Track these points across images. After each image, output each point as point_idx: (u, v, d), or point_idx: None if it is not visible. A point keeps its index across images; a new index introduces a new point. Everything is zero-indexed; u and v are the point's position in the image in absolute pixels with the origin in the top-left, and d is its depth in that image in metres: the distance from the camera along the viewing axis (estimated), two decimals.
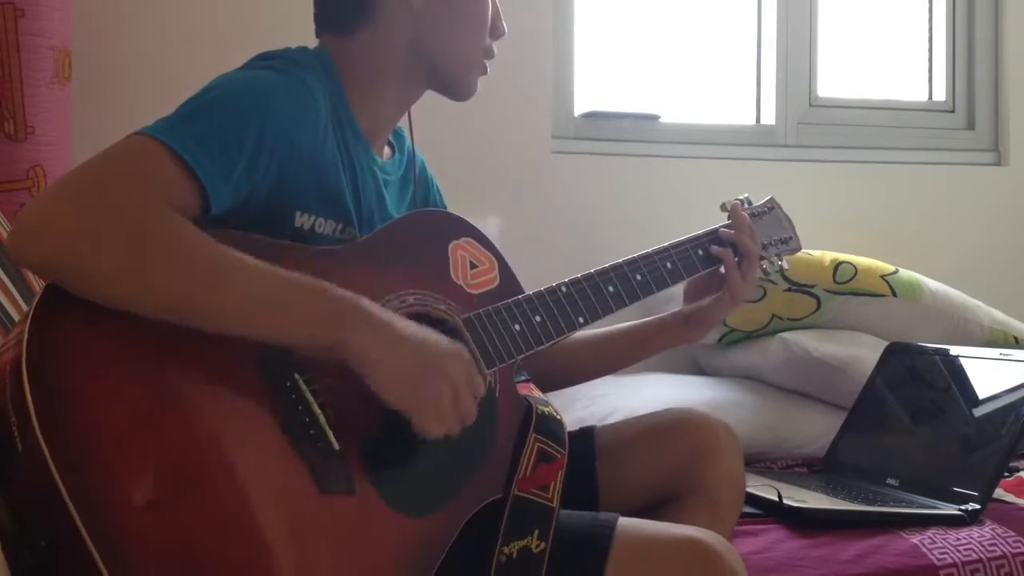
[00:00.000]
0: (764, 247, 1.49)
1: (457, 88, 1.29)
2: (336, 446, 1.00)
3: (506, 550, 1.09)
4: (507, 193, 2.20)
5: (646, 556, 1.11)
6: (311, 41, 1.25)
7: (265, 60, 1.16)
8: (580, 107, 2.41)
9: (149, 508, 0.88)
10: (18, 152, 1.66)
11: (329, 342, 0.98)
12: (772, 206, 1.55)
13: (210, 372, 0.96)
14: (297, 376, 1.01)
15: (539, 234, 2.19)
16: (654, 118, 2.48)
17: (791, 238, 1.54)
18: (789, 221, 1.56)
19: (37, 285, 1.36)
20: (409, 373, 1.01)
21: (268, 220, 1.09)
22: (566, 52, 2.38)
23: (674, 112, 2.51)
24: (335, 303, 0.99)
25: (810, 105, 2.60)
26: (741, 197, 1.53)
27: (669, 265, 1.38)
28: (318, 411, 1.00)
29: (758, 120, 2.61)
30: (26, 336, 0.88)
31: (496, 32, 1.29)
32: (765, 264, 1.49)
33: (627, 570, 1.09)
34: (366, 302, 1.01)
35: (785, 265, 1.53)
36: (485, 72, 1.30)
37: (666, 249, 1.40)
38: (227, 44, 2.06)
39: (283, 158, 1.08)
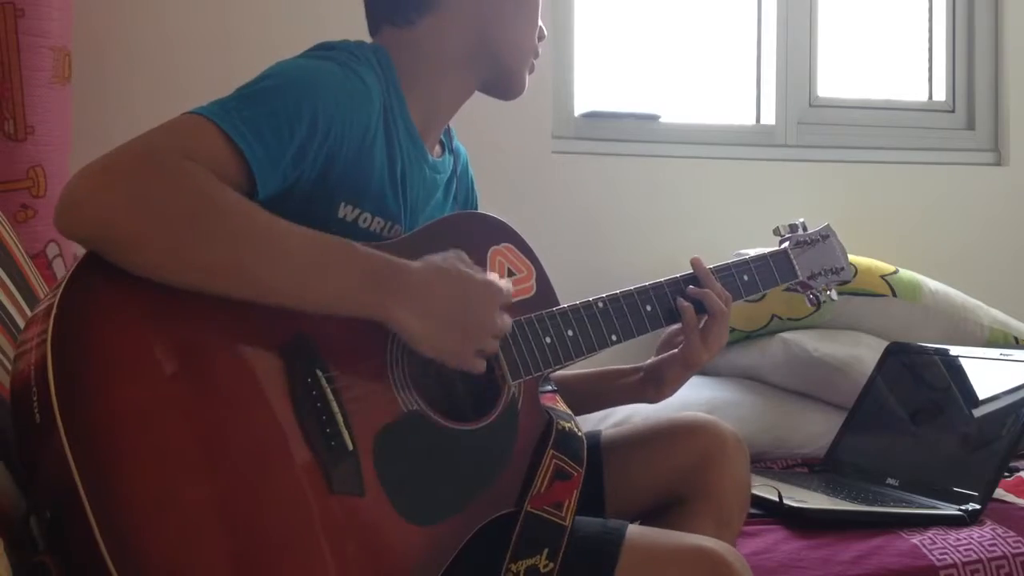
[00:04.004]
0: (813, 276, 1.46)
1: (511, 82, 1.29)
2: (351, 446, 1.00)
3: (513, 568, 1.08)
4: (507, 193, 2.20)
5: (655, 565, 1.10)
6: (313, 40, 1.24)
7: (324, 51, 1.16)
8: (580, 107, 2.41)
9: (155, 495, 0.88)
10: (18, 152, 1.66)
11: (371, 313, 1.00)
12: (827, 234, 1.49)
13: (232, 364, 0.97)
14: (319, 372, 1.01)
15: (539, 234, 2.18)
16: (654, 118, 2.48)
17: (843, 268, 1.49)
18: (843, 250, 1.50)
19: (38, 285, 1.36)
20: (451, 337, 1.04)
21: (311, 208, 1.09)
22: (566, 52, 2.39)
23: (674, 112, 2.51)
24: (376, 278, 1.00)
25: (810, 105, 2.60)
26: (797, 221, 1.49)
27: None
28: (336, 410, 1.00)
29: (758, 120, 2.61)
30: (54, 313, 0.89)
31: (540, 34, 1.30)
32: (811, 295, 1.47)
33: None
34: (403, 272, 1.02)
35: (834, 296, 1.49)
36: (533, 70, 1.30)
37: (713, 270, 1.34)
38: (227, 44, 2.07)
39: (332, 149, 1.08)
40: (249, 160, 0.99)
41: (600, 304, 1.24)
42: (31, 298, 1.31)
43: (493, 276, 1.11)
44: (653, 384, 1.36)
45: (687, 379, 1.34)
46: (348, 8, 1.32)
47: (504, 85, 1.29)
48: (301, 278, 0.97)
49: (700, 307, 1.31)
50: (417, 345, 1.03)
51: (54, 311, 0.89)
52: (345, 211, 1.12)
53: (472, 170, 1.43)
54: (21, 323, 1.23)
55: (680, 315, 1.30)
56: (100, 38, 1.98)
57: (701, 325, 1.30)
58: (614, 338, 1.25)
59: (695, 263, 1.33)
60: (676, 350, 1.33)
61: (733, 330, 2.14)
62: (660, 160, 2.41)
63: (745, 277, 1.37)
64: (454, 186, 1.34)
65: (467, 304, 1.06)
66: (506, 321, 1.10)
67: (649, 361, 1.38)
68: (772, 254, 1.43)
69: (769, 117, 2.58)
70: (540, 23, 1.30)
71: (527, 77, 1.30)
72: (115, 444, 0.88)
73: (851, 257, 2.11)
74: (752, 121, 2.61)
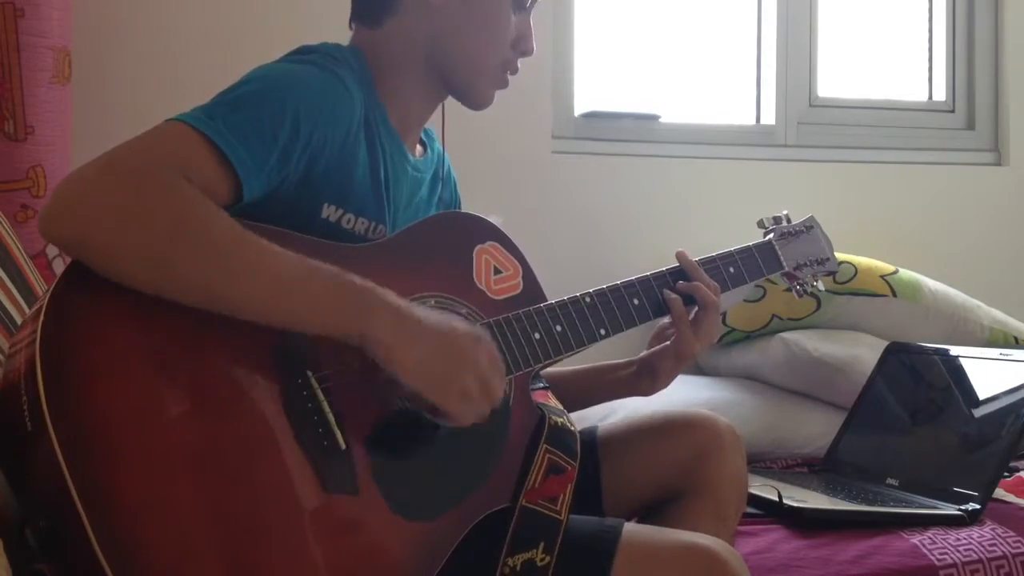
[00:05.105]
0: (799, 267, 1.46)
1: (468, 95, 1.27)
2: (343, 445, 1.00)
3: (510, 562, 1.09)
4: (507, 193, 2.20)
5: (651, 563, 1.10)
6: (312, 39, 1.24)
7: (304, 54, 1.16)
8: (580, 107, 2.41)
9: (149, 498, 0.88)
10: (18, 152, 1.66)
11: (353, 333, 0.98)
12: (811, 225, 1.51)
13: (223, 365, 0.97)
14: (309, 373, 1.01)
15: (539, 234, 2.19)
16: (654, 118, 2.48)
17: (828, 259, 1.50)
18: (828, 241, 1.51)
19: (38, 285, 1.36)
20: (435, 366, 1.00)
21: (296, 209, 1.08)
22: (566, 52, 2.38)
23: (674, 112, 2.51)
24: (359, 294, 0.98)
25: (810, 105, 2.60)
26: (780, 214, 1.50)
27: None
28: (327, 409, 1.00)
29: (758, 120, 2.61)
30: (42, 316, 0.89)
31: (523, 48, 1.26)
32: (798, 286, 1.48)
33: None
34: (389, 294, 1.00)
35: (821, 287, 1.50)
36: (504, 86, 1.27)
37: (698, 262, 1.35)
38: (227, 44, 2.07)
39: (315, 152, 1.08)
40: (235, 166, 1.00)
41: (588, 299, 1.25)
42: (31, 298, 1.31)
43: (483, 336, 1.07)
44: (647, 377, 1.37)
45: (680, 371, 1.35)
46: (346, 7, 1.32)
47: (463, 96, 1.27)
48: (277, 298, 0.95)
49: (688, 299, 1.31)
50: (402, 375, 0.99)
51: (43, 313, 0.89)
52: (328, 211, 1.12)
53: (455, 173, 1.43)
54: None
55: (668, 308, 1.30)
56: (100, 38, 1.99)
57: (691, 317, 1.31)
58: (603, 332, 1.25)
59: (680, 256, 1.34)
60: (668, 343, 1.34)
61: (733, 330, 2.14)
62: (660, 160, 2.41)
63: (731, 269, 1.38)
64: (439, 187, 1.34)
65: (458, 341, 1.02)
66: (498, 389, 1.05)
67: (642, 354, 1.38)
68: (757, 245, 1.44)
69: (769, 117, 2.58)
70: (530, 37, 1.26)
71: (489, 92, 1.27)
72: (107, 447, 0.88)
73: (851, 257, 2.14)
74: (752, 121, 2.61)
